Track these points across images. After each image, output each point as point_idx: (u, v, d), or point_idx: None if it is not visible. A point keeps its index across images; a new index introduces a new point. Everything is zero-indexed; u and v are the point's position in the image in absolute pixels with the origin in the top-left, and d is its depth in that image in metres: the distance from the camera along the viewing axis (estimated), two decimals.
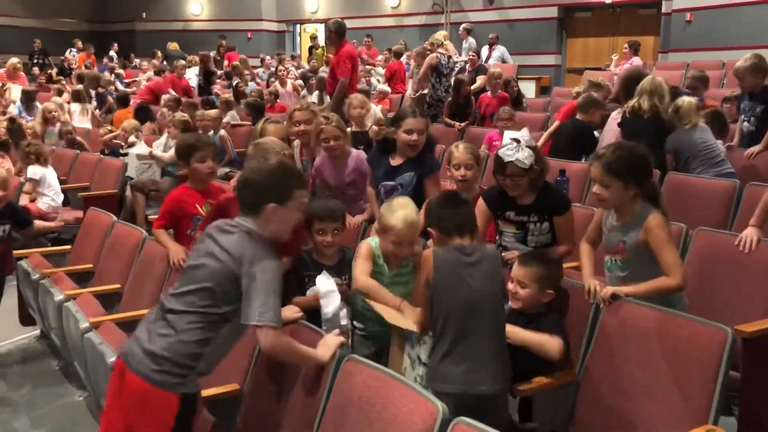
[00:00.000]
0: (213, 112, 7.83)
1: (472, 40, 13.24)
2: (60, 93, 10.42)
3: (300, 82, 11.74)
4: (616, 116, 5.24)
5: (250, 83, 12.19)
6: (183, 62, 11.54)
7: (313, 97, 10.25)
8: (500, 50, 13.47)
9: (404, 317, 2.62)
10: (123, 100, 10.11)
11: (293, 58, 16.07)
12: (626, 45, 11.06)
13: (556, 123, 6.22)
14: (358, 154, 4.05)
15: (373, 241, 2.89)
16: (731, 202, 4.14)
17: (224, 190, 3.66)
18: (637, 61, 10.78)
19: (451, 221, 2.55)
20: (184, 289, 2.18)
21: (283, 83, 11.24)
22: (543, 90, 13.34)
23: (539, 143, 5.91)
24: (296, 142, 4.41)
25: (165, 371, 2.10)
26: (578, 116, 5.79)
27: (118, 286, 3.82)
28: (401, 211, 2.73)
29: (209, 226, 2.33)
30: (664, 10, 13.07)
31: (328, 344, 2.34)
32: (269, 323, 2.09)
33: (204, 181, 3.62)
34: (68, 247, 4.61)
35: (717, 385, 2.19)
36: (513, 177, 3.04)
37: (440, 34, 8.86)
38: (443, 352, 2.42)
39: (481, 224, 3.02)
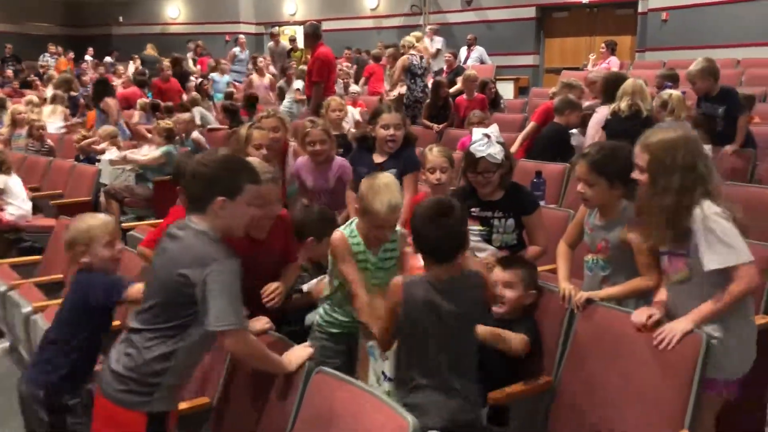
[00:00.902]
0: (186, 115, 7.78)
1: (438, 38, 13.17)
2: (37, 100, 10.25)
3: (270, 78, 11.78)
4: (597, 116, 5.23)
5: (222, 77, 12.17)
6: (167, 63, 11.37)
7: (291, 92, 10.32)
8: (479, 51, 13.46)
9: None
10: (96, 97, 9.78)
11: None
12: (603, 44, 11.12)
13: (532, 124, 6.20)
14: (342, 162, 4.02)
15: (346, 230, 2.73)
16: None
17: None
18: (614, 60, 10.83)
19: (430, 243, 2.29)
20: (143, 307, 2.12)
21: (261, 74, 11.26)
22: (521, 90, 13.35)
23: (514, 145, 5.89)
24: (293, 148, 4.39)
25: (129, 390, 2.06)
26: (555, 119, 5.78)
27: None
28: (385, 195, 2.59)
29: (163, 234, 2.26)
30: (640, 9, 13.15)
31: (297, 354, 2.29)
32: (230, 327, 2.02)
33: None
34: (38, 257, 4.52)
35: (693, 390, 2.17)
36: (485, 173, 3.04)
37: (413, 36, 8.86)
38: (414, 384, 2.28)
39: None
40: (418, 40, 8.80)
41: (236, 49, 14.28)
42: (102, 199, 6.68)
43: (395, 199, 2.61)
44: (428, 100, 8.11)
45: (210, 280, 1.99)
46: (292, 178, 4.25)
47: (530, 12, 14.82)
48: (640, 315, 2.39)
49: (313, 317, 2.86)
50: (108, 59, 16.92)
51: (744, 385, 2.38)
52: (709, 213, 2.25)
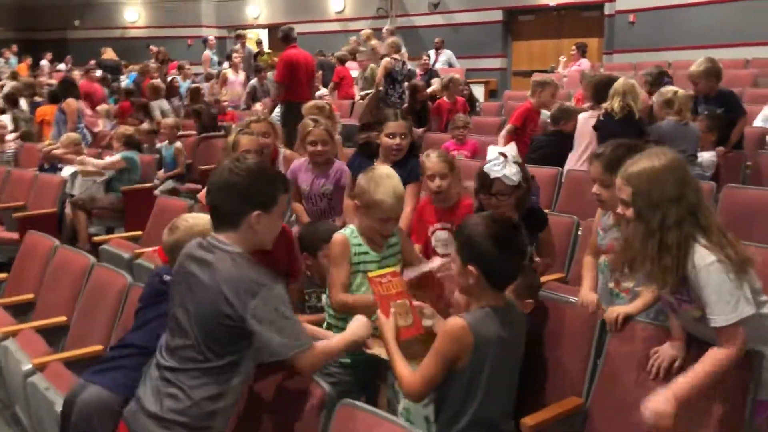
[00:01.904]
0: (170, 120, 7.49)
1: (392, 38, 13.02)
2: None
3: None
4: (588, 118, 5.11)
5: (185, 81, 11.86)
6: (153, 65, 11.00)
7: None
8: (447, 54, 13.40)
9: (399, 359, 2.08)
10: (54, 97, 9.13)
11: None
12: (574, 47, 11.14)
13: (509, 126, 6.03)
14: (340, 166, 3.83)
15: (347, 231, 2.57)
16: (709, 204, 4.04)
17: None
18: (585, 62, 10.85)
19: (502, 268, 1.99)
20: (177, 343, 1.90)
21: (236, 70, 11.05)
22: (491, 93, 13.33)
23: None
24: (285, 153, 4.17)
25: None
26: (553, 128, 5.71)
27: (63, 318, 3.44)
28: (387, 183, 2.45)
29: (181, 256, 2.02)
30: (607, 11, 13.22)
31: (357, 325, 2.12)
32: (301, 349, 1.90)
33: None
34: (4, 275, 4.20)
35: (746, 412, 2.02)
36: (499, 195, 2.78)
37: (365, 33, 8.74)
38: (462, 427, 1.98)
39: None
40: (369, 37, 8.64)
41: (208, 51, 13.93)
42: (68, 210, 6.33)
43: (399, 188, 2.50)
44: (405, 105, 7.95)
45: (262, 311, 1.84)
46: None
47: (497, 15, 14.81)
48: (611, 314, 2.33)
49: None
50: (62, 66, 16.30)
51: None
52: (701, 265, 1.96)
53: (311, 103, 5.37)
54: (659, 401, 1.93)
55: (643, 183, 2.03)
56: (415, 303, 2.20)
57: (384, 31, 13.04)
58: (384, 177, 2.50)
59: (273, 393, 2.16)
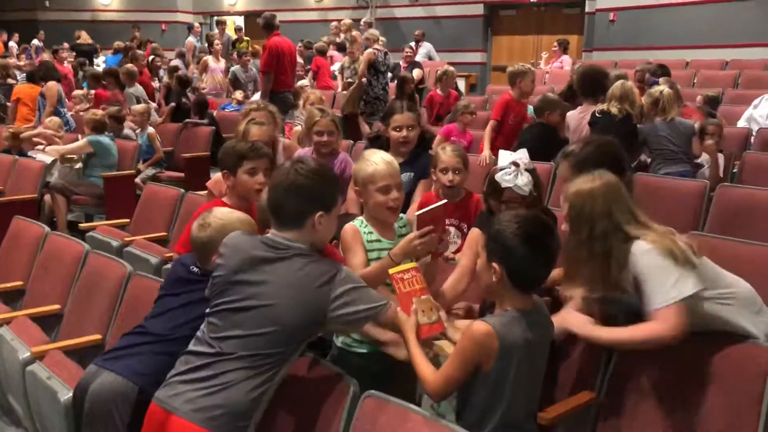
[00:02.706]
0: (141, 106, 7.32)
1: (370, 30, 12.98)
2: None
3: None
4: (580, 115, 5.12)
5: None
6: (140, 52, 10.71)
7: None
8: (426, 47, 13.38)
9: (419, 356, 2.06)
10: (31, 77, 8.88)
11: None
12: (556, 43, 11.22)
13: (492, 122, 6.01)
14: (345, 157, 3.79)
15: (356, 222, 2.55)
16: (702, 204, 4.10)
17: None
18: (566, 59, 10.95)
19: (533, 276, 1.95)
20: (232, 334, 1.93)
21: (217, 57, 10.93)
22: (471, 87, 13.35)
23: (485, 150, 5.74)
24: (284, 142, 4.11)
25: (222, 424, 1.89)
26: (537, 120, 5.62)
27: (57, 307, 3.35)
28: (374, 155, 2.52)
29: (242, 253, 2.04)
30: (587, 9, 13.31)
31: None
32: (384, 308, 2.02)
33: (247, 198, 2.99)
34: None
35: (762, 410, 2.04)
36: (509, 203, 2.74)
37: (345, 23, 8.71)
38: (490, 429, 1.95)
39: (474, 256, 2.73)
40: (348, 28, 8.59)
41: (192, 38, 13.70)
42: (47, 196, 6.18)
43: (386, 156, 2.54)
44: (393, 97, 7.91)
45: (343, 295, 1.96)
46: None
47: (478, 9, 14.81)
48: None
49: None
50: (35, 42, 15.85)
51: None
52: (638, 252, 2.17)
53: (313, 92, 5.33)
54: (577, 322, 2.23)
55: (578, 200, 2.24)
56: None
57: (362, 23, 12.99)
58: (370, 153, 2.57)
59: (294, 384, 2.12)
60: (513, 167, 2.73)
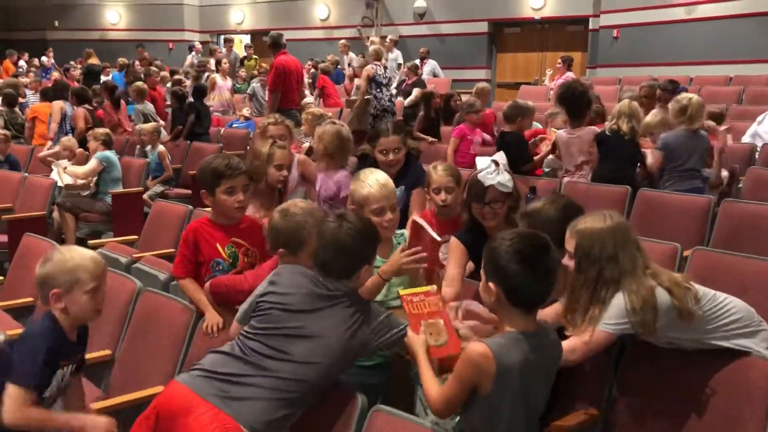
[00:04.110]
0: (150, 125, 7.39)
1: (398, 52, 13.18)
2: None
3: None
4: (566, 135, 5.11)
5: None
6: (154, 69, 10.81)
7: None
8: (431, 64, 13.49)
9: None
10: (45, 94, 9.05)
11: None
12: (560, 60, 11.26)
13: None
14: (344, 176, 3.80)
15: None
16: (707, 219, 4.12)
17: (256, 223, 3.10)
18: (570, 75, 10.97)
19: (532, 295, 1.90)
20: (290, 358, 2.06)
21: (224, 76, 11.04)
22: None
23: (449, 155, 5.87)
24: (299, 157, 4.14)
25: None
26: (506, 128, 5.45)
27: None
28: (369, 176, 2.60)
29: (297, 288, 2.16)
30: (591, 26, 13.41)
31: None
32: (404, 332, 2.17)
33: (230, 216, 2.96)
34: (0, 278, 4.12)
35: None
36: (493, 203, 2.79)
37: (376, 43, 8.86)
38: None
39: (460, 268, 2.80)
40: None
41: (191, 56, 13.85)
42: (55, 213, 6.24)
43: (382, 177, 2.61)
44: (421, 113, 7.99)
45: (377, 329, 2.13)
46: (296, 187, 4.01)
47: (482, 27, 14.94)
48: None
49: None
50: (44, 59, 16.03)
51: None
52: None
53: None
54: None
55: (587, 239, 2.23)
56: (454, 323, 2.19)
57: (388, 40, 13.11)
58: (366, 173, 2.64)
59: None
60: (493, 166, 2.79)
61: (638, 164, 4.93)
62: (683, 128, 4.78)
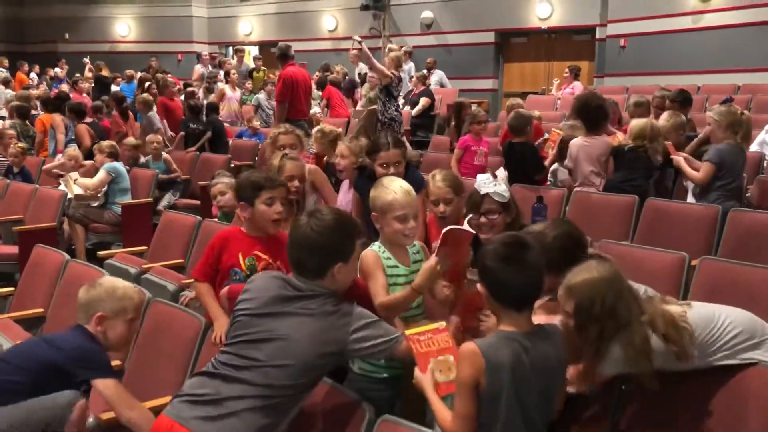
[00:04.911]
0: (158, 137, 7.48)
1: (411, 64, 13.27)
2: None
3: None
4: (586, 144, 5.12)
5: None
6: (171, 79, 10.88)
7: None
8: (438, 74, 13.54)
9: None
10: (47, 104, 9.17)
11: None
12: (567, 69, 11.30)
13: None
14: (347, 187, 3.84)
15: (374, 247, 2.60)
16: (714, 228, 4.11)
17: (283, 239, 3.03)
18: (578, 85, 11.01)
19: (515, 288, 1.95)
20: (256, 363, 2.02)
21: (233, 87, 11.12)
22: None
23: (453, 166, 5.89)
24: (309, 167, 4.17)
25: None
26: (516, 139, 5.36)
27: None
28: (393, 183, 2.57)
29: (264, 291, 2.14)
30: (598, 36, 13.42)
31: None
32: (397, 341, 2.11)
33: (265, 228, 2.94)
34: (11, 289, 4.15)
35: None
36: (489, 214, 2.82)
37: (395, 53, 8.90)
38: None
39: None
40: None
41: (199, 66, 13.94)
42: (65, 224, 6.30)
43: (405, 185, 2.58)
44: (452, 124, 8.04)
45: (359, 331, 2.05)
46: (306, 197, 4.03)
47: (489, 37, 14.97)
48: None
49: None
50: (58, 70, 16.17)
51: None
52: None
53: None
54: None
55: (585, 297, 2.15)
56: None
57: (403, 52, 13.14)
58: (389, 180, 2.63)
59: (311, 409, 2.16)
60: (491, 177, 2.83)
61: (652, 177, 4.91)
62: (732, 143, 4.55)
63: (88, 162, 6.82)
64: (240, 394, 1.97)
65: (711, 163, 4.51)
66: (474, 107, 6.96)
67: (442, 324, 2.14)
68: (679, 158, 4.77)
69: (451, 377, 2.02)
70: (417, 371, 2.05)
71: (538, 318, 2.16)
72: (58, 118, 8.55)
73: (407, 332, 2.10)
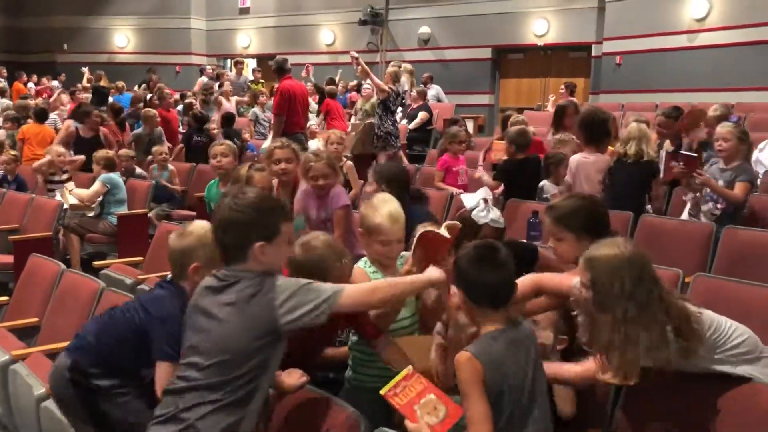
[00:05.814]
0: (162, 148, 7.52)
1: (404, 79, 13.31)
2: None
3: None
4: (586, 161, 5.14)
5: None
6: (168, 91, 10.92)
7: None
8: (435, 89, 13.61)
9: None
10: (40, 115, 9.16)
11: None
12: (563, 86, 11.35)
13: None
14: (337, 190, 3.85)
15: (361, 263, 2.65)
16: (709, 245, 4.13)
17: None
18: (573, 101, 11.05)
19: (489, 288, 2.04)
20: (199, 364, 2.01)
21: (227, 97, 11.16)
22: (480, 129, 13.50)
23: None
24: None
25: None
26: (519, 155, 5.41)
27: None
28: (384, 207, 2.57)
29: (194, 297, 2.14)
30: (594, 53, 13.53)
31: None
32: (335, 299, 2.04)
33: None
34: (5, 298, 4.14)
35: None
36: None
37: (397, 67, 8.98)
38: None
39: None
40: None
41: (203, 79, 13.97)
42: (60, 234, 6.29)
43: (396, 210, 2.58)
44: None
45: (287, 302, 1.99)
46: (299, 212, 4.03)
47: (486, 53, 15.09)
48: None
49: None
50: (55, 83, 16.19)
51: None
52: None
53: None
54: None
55: (604, 274, 2.10)
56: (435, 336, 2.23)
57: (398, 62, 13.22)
58: (381, 201, 2.61)
59: (306, 421, 2.16)
60: (483, 204, 2.86)
61: (648, 188, 4.89)
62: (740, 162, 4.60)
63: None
64: (195, 403, 1.97)
65: (748, 182, 4.59)
66: (454, 127, 6.91)
67: (410, 368, 2.11)
68: (711, 181, 4.62)
69: (441, 415, 2.01)
70: (408, 423, 2.01)
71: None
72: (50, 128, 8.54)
73: (382, 392, 2.03)
